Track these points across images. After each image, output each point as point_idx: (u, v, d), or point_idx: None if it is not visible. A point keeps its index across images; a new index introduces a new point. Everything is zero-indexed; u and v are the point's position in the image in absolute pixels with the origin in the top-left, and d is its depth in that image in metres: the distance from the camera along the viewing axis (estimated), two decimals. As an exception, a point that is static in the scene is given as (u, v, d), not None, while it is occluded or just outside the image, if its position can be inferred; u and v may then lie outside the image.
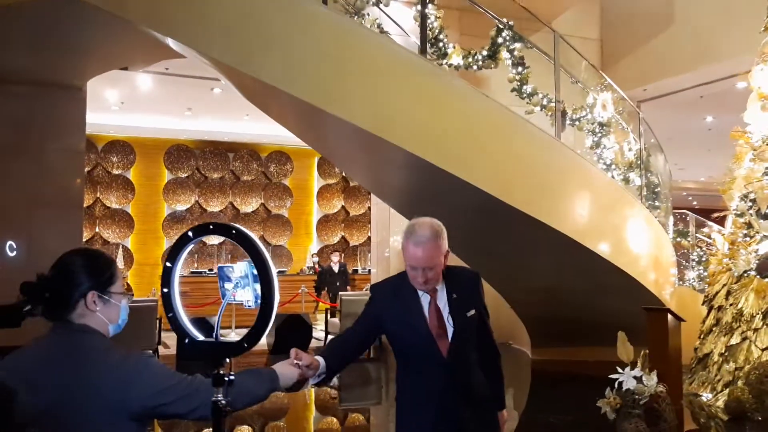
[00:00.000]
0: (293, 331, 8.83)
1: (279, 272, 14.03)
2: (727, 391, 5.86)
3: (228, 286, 1.88)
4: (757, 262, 6.40)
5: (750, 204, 6.73)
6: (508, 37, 6.71)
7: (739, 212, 6.87)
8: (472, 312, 2.33)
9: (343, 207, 16.49)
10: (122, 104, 12.15)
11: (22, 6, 6.34)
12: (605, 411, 5.11)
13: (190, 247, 1.83)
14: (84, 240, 11.82)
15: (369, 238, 13.84)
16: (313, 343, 9.34)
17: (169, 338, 8.57)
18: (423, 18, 6.25)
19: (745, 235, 6.74)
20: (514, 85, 6.89)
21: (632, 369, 5.15)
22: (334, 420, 6.36)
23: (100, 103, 11.50)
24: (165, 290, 1.82)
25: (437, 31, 6.57)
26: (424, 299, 2.30)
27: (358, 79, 5.33)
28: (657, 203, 8.43)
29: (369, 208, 13.98)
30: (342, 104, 5.21)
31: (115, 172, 14.59)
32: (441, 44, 6.60)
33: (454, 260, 2.53)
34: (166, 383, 1.64)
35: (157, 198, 14.91)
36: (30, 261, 8.30)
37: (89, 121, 9.49)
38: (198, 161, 15.23)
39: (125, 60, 8.73)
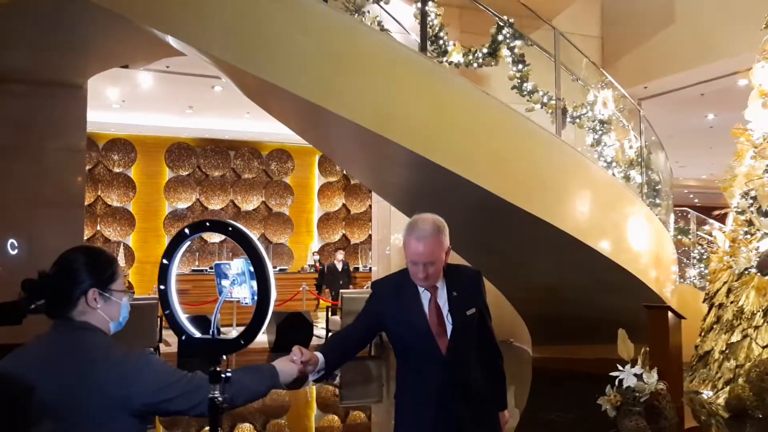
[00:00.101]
0: (294, 329, 8.84)
1: (280, 270, 14.14)
2: (727, 388, 5.87)
3: (225, 283, 1.88)
4: (758, 259, 6.40)
5: (751, 201, 6.73)
6: (508, 35, 6.70)
7: (740, 209, 6.87)
8: (473, 310, 2.32)
9: (344, 205, 16.50)
10: (123, 102, 12.15)
11: (23, 4, 6.35)
12: (606, 408, 5.12)
13: (187, 244, 1.83)
14: (85, 238, 11.83)
15: (370, 236, 13.84)
16: (314, 341, 9.35)
17: (171, 336, 8.59)
18: (423, 15, 6.24)
19: (746, 233, 6.74)
20: (514, 83, 6.88)
21: (633, 366, 5.16)
22: (335, 418, 6.37)
23: (101, 102, 11.51)
24: (162, 287, 1.81)
25: (437, 28, 6.57)
26: (425, 297, 2.30)
27: (358, 76, 5.33)
28: (658, 201, 8.43)
29: (370, 206, 13.98)
30: (342, 102, 5.21)
31: (116, 170, 14.60)
32: (441, 42, 6.60)
33: (455, 258, 2.53)
34: (167, 380, 1.65)
35: (158, 196, 14.93)
36: (31, 259, 8.31)
37: (90, 120, 9.50)
38: (199, 159, 15.24)
39: (126, 58, 8.73)
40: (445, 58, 6.64)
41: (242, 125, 13.99)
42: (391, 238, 10.17)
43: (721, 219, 8.12)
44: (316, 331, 9.85)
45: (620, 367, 5.17)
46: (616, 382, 5.14)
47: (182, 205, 15.05)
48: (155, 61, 9.01)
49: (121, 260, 13.85)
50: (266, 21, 5.16)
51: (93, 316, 1.68)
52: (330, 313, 10.28)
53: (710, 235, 9.41)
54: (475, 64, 6.78)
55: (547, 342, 8.11)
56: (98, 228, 14.42)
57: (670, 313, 5.93)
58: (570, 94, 7.52)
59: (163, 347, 8.69)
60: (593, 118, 7.76)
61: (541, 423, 5.75)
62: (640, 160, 8.11)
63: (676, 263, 8.36)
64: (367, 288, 12.07)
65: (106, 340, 1.68)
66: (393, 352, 2.42)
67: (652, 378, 5.11)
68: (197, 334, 1.81)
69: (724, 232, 7.23)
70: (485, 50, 6.76)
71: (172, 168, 15.03)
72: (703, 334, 6.74)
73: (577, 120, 7.73)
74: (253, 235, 1.73)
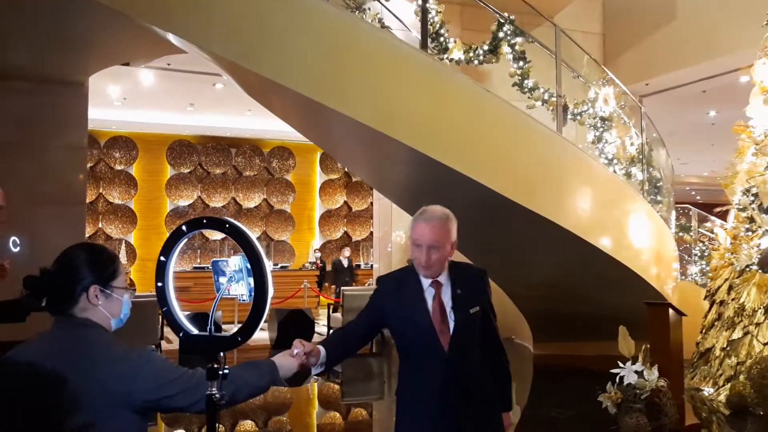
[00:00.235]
0: (296, 327, 8.85)
1: (281, 267, 14.15)
2: (728, 385, 5.87)
3: (222, 280, 1.89)
4: (759, 256, 6.40)
5: (752, 198, 6.72)
6: (509, 32, 6.70)
7: (741, 207, 6.86)
8: (476, 309, 2.32)
9: (345, 202, 16.51)
10: (124, 100, 12.16)
11: (25, 2, 6.35)
12: (606, 405, 5.12)
13: (184, 241, 1.83)
14: (87, 236, 11.85)
15: (371, 233, 13.85)
16: (316, 338, 9.36)
17: (172, 333, 8.60)
18: (424, 13, 6.24)
19: (748, 230, 6.73)
20: (515, 80, 6.88)
21: (634, 363, 5.15)
22: (337, 415, 6.38)
23: (103, 99, 11.52)
24: (159, 284, 1.82)
25: (438, 25, 6.57)
26: (429, 293, 2.30)
27: (359, 74, 5.33)
28: (659, 198, 8.42)
29: (371, 203, 13.99)
30: (343, 99, 5.21)
31: (118, 167, 14.62)
32: (442, 39, 6.59)
33: (458, 258, 2.53)
34: (167, 377, 1.65)
35: (159, 194, 14.94)
36: (33, 257, 8.32)
37: (91, 117, 9.51)
38: (200, 157, 15.25)
39: (127, 56, 8.74)
40: (445, 55, 6.64)
41: (243, 123, 13.99)
42: (392, 235, 10.17)
43: (723, 216, 8.11)
44: (317, 329, 9.87)
45: (621, 364, 5.17)
46: (617, 379, 5.14)
47: (184, 202, 15.07)
48: (156, 58, 9.02)
49: (123, 258, 13.88)
50: (267, 18, 5.16)
51: (94, 312, 1.69)
52: (331, 310, 10.29)
53: (712, 232, 9.40)
54: (476, 62, 6.77)
55: (548, 339, 8.12)
56: (100, 225, 14.44)
57: (671, 310, 5.93)
58: (571, 91, 7.52)
59: (164, 344, 8.70)
60: (594, 115, 7.75)
61: (541, 420, 5.76)
62: (641, 157, 8.10)
63: (677, 260, 8.36)
64: (369, 285, 12.09)
65: (108, 337, 1.69)
66: (395, 349, 2.42)
67: (652, 375, 5.11)
68: (195, 331, 1.81)
69: (725, 229, 7.23)
70: (486, 47, 6.75)
71: (174, 165, 15.04)
72: (704, 331, 6.74)
73: (578, 117, 7.72)
74: (250, 232, 1.73)
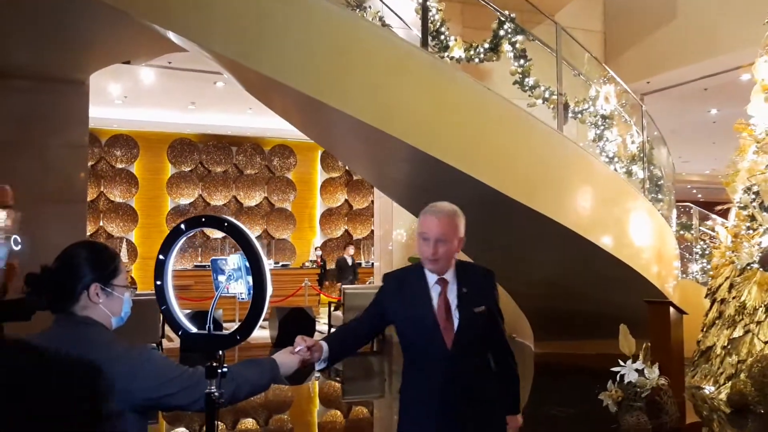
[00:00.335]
0: (296, 325, 8.86)
1: (282, 266, 14.14)
2: (729, 384, 5.87)
3: (221, 278, 1.89)
4: (760, 254, 6.40)
5: (753, 196, 6.72)
6: (510, 30, 6.69)
7: (742, 205, 6.86)
8: (481, 308, 2.31)
9: (346, 200, 16.51)
10: (125, 98, 12.16)
11: (24, 1, 6.35)
12: (607, 404, 5.12)
13: (183, 239, 1.83)
14: (88, 234, 11.86)
15: (372, 231, 13.85)
16: (317, 337, 9.34)
17: (173, 331, 8.60)
18: (424, 10, 6.23)
19: (749, 228, 6.73)
20: (516, 78, 6.87)
21: (634, 362, 5.16)
22: (338, 413, 6.39)
23: (103, 98, 11.51)
24: (158, 283, 1.82)
25: (439, 23, 6.56)
26: (435, 290, 2.30)
27: (359, 72, 5.33)
28: (660, 196, 8.41)
29: (372, 201, 13.98)
30: (343, 97, 5.21)
31: (119, 166, 14.62)
32: (443, 37, 6.59)
33: (462, 257, 2.53)
34: (168, 375, 1.65)
35: (160, 192, 14.95)
36: (34, 255, 8.30)
37: (92, 116, 9.50)
38: (201, 155, 15.25)
39: (128, 54, 8.73)
40: (446, 54, 6.63)
41: (244, 121, 13.98)
42: (393, 233, 10.17)
43: (724, 214, 8.11)
44: (318, 327, 9.87)
45: (622, 363, 5.17)
46: (618, 378, 5.14)
47: (185, 200, 15.07)
48: (157, 57, 9.02)
49: (124, 256, 13.89)
50: (267, 17, 5.16)
51: (95, 311, 1.69)
52: (332, 309, 10.29)
53: (712, 230, 9.40)
54: (477, 60, 6.76)
55: (549, 337, 8.12)
56: (101, 224, 14.45)
57: (671, 309, 5.93)
58: (572, 90, 7.51)
59: (165, 342, 8.71)
60: (595, 114, 7.74)
61: (542, 418, 5.76)
62: (642, 155, 8.10)
63: (678, 258, 8.36)
64: (370, 283, 12.10)
65: (108, 335, 1.69)
66: (396, 348, 2.42)
67: (653, 373, 5.12)
68: (193, 330, 1.81)
69: (726, 228, 7.22)
70: (487, 45, 6.74)
71: (175, 164, 15.05)
72: (704, 329, 6.74)
73: (579, 115, 7.71)
74: (249, 231, 1.73)
